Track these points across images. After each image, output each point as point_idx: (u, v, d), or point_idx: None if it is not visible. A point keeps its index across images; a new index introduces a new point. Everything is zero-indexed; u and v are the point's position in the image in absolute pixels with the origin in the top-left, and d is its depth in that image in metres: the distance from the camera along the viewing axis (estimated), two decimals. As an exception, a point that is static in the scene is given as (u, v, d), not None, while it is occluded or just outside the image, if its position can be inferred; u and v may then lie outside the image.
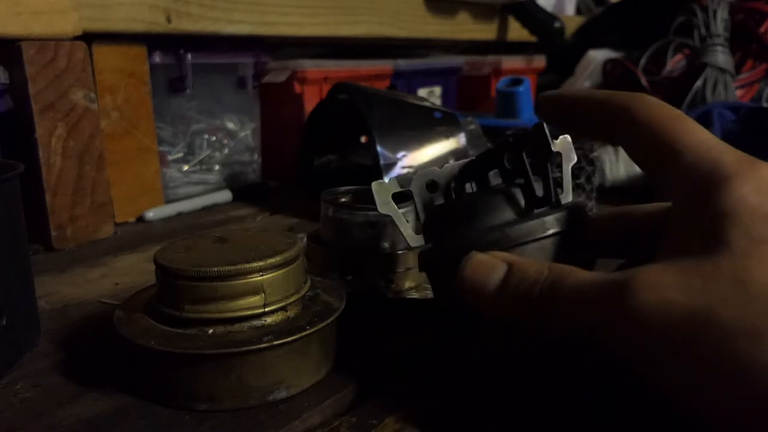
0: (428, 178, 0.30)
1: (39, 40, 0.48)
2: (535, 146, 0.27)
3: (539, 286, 0.24)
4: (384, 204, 0.29)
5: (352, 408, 0.28)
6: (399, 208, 0.31)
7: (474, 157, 0.31)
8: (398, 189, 0.30)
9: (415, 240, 0.30)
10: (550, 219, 0.27)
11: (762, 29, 0.83)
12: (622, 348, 0.22)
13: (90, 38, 0.52)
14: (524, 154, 0.28)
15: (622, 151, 0.69)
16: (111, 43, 0.55)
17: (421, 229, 0.30)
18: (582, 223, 0.28)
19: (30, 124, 0.48)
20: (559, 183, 0.28)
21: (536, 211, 0.28)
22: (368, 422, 0.26)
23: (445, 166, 0.30)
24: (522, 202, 0.28)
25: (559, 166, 0.29)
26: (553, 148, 0.27)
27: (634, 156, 0.27)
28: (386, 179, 0.31)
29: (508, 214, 0.28)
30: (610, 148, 0.67)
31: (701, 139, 0.24)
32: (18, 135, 0.49)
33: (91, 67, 0.52)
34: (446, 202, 0.30)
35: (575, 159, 0.30)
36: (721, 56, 0.80)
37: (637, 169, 0.67)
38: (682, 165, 0.24)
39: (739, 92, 0.82)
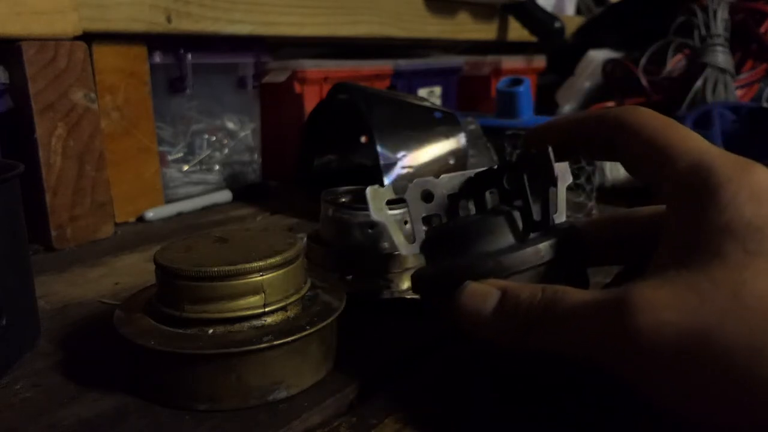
0: (424, 188, 0.30)
1: (39, 40, 0.48)
2: (537, 171, 0.27)
3: (534, 310, 0.24)
4: (378, 210, 0.29)
5: (352, 408, 0.28)
6: (393, 210, 0.31)
7: (473, 174, 0.31)
8: (393, 196, 0.29)
9: (406, 248, 0.30)
10: (545, 246, 0.27)
11: (762, 29, 0.83)
12: (622, 369, 0.22)
13: (90, 38, 0.52)
14: (525, 177, 0.28)
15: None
16: (111, 43, 0.55)
17: (412, 236, 0.30)
18: (577, 246, 0.28)
19: (30, 124, 0.48)
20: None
21: (532, 235, 0.28)
22: (368, 422, 0.26)
23: (442, 177, 0.30)
24: (519, 225, 0.28)
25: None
26: (556, 175, 0.27)
27: (629, 167, 0.27)
28: (386, 181, 0.30)
29: (504, 240, 0.28)
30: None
31: (694, 146, 0.24)
32: (18, 135, 0.49)
33: (91, 67, 0.52)
34: (443, 224, 0.30)
35: (570, 180, 0.30)
36: (721, 56, 0.80)
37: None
38: (675, 172, 0.24)
39: (739, 92, 0.82)
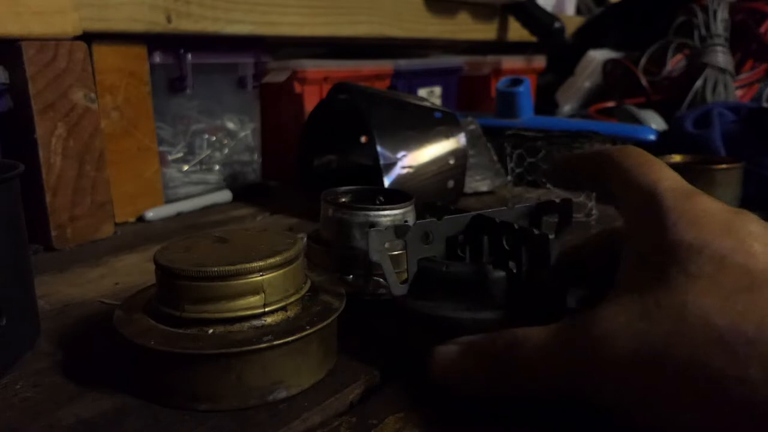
0: (424, 230, 0.31)
1: (39, 40, 0.48)
2: (535, 250, 0.28)
3: (493, 357, 0.26)
4: (376, 252, 0.29)
5: (352, 408, 0.28)
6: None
7: (474, 216, 0.32)
8: (393, 239, 0.30)
9: (398, 289, 0.30)
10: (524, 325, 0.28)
11: (762, 29, 0.83)
12: (591, 396, 0.23)
13: (90, 38, 0.52)
14: (523, 250, 0.29)
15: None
16: (111, 43, 0.55)
17: (407, 276, 0.31)
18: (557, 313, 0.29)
19: (30, 124, 0.48)
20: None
21: (516, 301, 0.29)
22: (368, 422, 0.26)
23: (445, 219, 0.31)
24: (505, 289, 0.29)
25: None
26: (551, 261, 0.28)
27: (614, 203, 0.29)
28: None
29: (490, 302, 0.29)
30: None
31: (654, 178, 0.26)
32: (18, 135, 0.49)
33: (91, 67, 0.52)
34: (438, 264, 0.31)
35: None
36: (721, 56, 0.80)
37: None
38: (632, 202, 0.26)
39: (739, 92, 0.82)
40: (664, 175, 0.26)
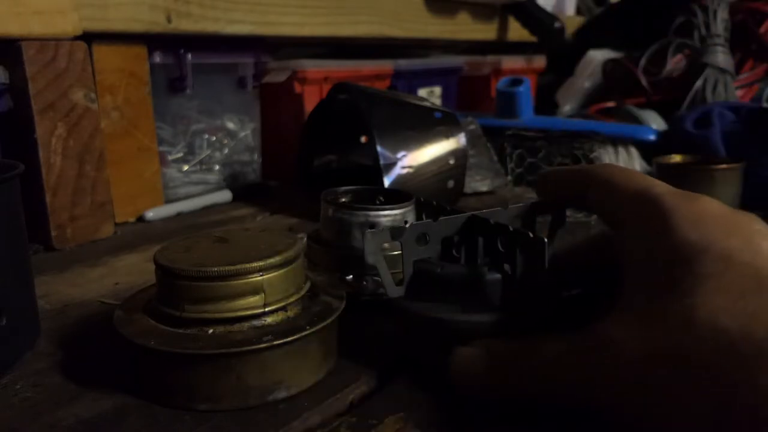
0: (420, 231, 0.31)
1: (39, 40, 0.48)
2: (531, 253, 0.28)
3: (517, 364, 0.26)
4: (372, 254, 0.29)
5: (352, 408, 0.28)
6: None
7: (470, 216, 0.32)
8: (389, 240, 0.30)
9: (394, 291, 0.30)
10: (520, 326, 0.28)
11: (762, 29, 0.83)
12: (608, 405, 0.23)
13: (90, 38, 0.52)
14: (518, 252, 0.29)
15: (621, 152, 0.69)
16: (111, 43, 0.55)
17: (403, 278, 0.31)
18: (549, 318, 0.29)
19: (30, 124, 0.48)
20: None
21: (510, 303, 0.29)
22: (368, 422, 0.26)
23: (440, 219, 0.31)
24: (499, 291, 0.29)
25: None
26: (546, 264, 0.28)
27: (597, 211, 0.29)
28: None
29: (485, 304, 0.29)
30: (609, 148, 0.67)
31: (646, 184, 0.26)
32: (18, 135, 0.49)
33: (91, 67, 0.52)
34: (432, 265, 0.31)
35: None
36: (721, 56, 0.80)
37: (636, 167, 0.67)
38: (627, 206, 0.26)
39: (739, 92, 0.82)
40: (654, 182, 0.26)
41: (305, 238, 0.40)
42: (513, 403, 0.26)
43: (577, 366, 0.24)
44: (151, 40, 0.58)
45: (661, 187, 0.26)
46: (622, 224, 0.27)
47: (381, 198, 0.41)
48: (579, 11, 1.26)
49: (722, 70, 0.79)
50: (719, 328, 0.20)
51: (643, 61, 0.87)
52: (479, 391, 0.27)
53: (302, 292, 0.30)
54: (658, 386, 0.21)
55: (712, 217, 0.23)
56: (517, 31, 1.03)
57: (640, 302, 0.23)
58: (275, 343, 0.26)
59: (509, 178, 0.63)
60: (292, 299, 0.29)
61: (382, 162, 0.52)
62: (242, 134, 0.71)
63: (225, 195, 0.67)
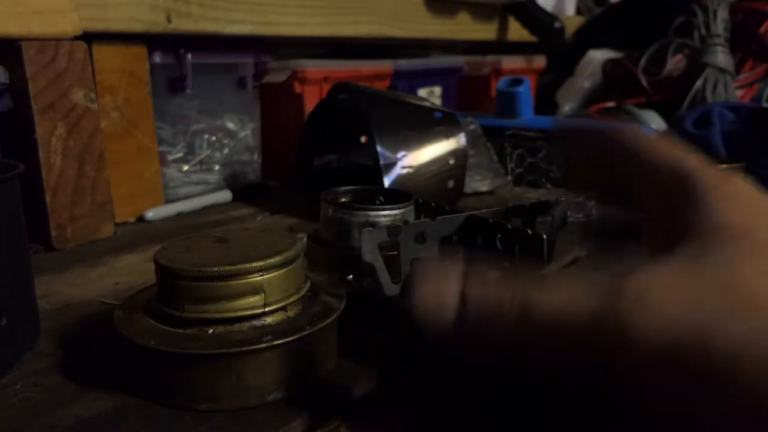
0: (418, 230, 0.31)
1: (39, 40, 0.48)
2: (529, 250, 0.28)
3: (505, 319, 0.22)
4: (369, 252, 0.29)
5: (351, 408, 0.28)
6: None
7: (468, 216, 0.31)
8: (386, 238, 0.30)
9: (391, 289, 0.30)
10: None
11: (762, 29, 0.83)
12: (622, 379, 0.21)
13: (90, 38, 0.52)
14: (517, 250, 0.29)
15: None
16: (111, 43, 0.55)
17: (400, 277, 0.31)
18: None
19: (30, 124, 0.48)
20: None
21: None
22: (368, 422, 0.26)
23: (438, 219, 0.31)
24: None
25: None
26: (545, 261, 0.28)
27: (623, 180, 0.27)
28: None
29: None
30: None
31: (678, 155, 0.25)
32: (18, 135, 0.49)
33: (91, 67, 0.52)
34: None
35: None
36: (721, 56, 0.80)
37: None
38: (659, 178, 0.25)
39: (739, 92, 0.82)
40: (682, 154, 0.25)
41: (305, 238, 0.40)
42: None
43: (595, 338, 0.20)
44: (151, 40, 0.58)
45: (694, 162, 0.25)
46: (650, 196, 0.25)
47: (381, 198, 0.41)
48: (579, 11, 1.26)
49: (722, 70, 0.79)
50: (763, 307, 0.19)
51: (643, 61, 0.87)
52: (449, 342, 0.23)
53: (302, 292, 0.30)
54: (684, 357, 0.19)
55: (750, 198, 0.23)
56: (517, 31, 1.03)
57: (677, 265, 0.21)
58: (275, 343, 0.26)
59: (509, 178, 0.63)
60: (292, 299, 0.29)
61: (382, 162, 0.52)
62: (242, 134, 0.71)
63: (225, 195, 0.67)
